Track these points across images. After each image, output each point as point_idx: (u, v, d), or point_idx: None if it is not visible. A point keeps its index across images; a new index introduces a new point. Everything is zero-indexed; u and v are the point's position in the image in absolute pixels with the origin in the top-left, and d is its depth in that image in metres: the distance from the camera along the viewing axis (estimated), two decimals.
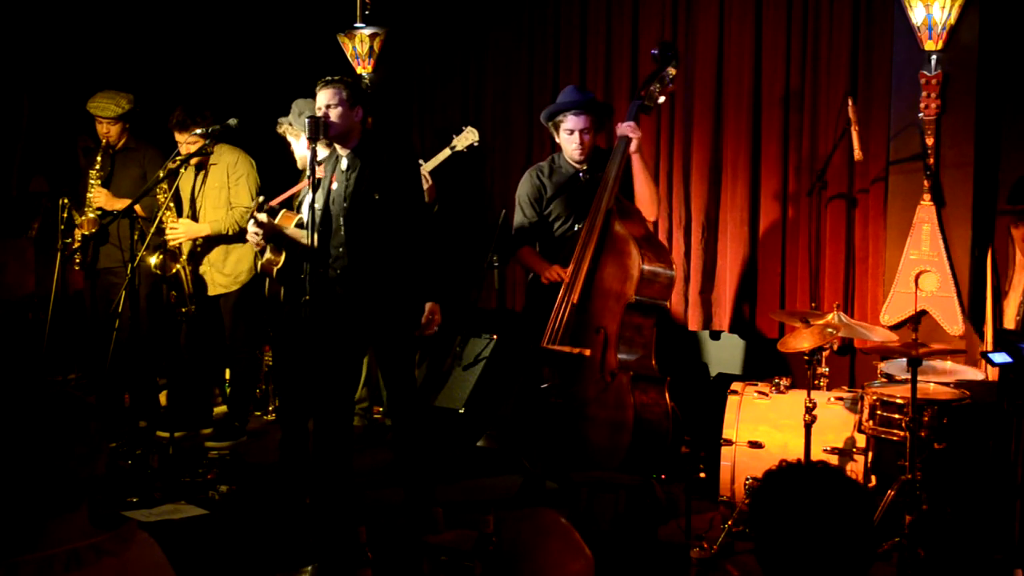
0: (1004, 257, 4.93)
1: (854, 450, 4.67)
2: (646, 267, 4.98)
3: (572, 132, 5.19)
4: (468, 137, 6.32)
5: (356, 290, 4.78)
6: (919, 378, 4.27)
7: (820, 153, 5.57)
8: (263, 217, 5.10)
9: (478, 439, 6.02)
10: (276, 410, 6.69)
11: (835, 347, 5.10)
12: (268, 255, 5.21)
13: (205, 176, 6.21)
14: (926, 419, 4.29)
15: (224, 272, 6.22)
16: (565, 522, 1.92)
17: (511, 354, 5.48)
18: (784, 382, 4.96)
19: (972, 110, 5.06)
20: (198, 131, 5.71)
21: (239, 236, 6.01)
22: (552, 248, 5.30)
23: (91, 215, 6.18)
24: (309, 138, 4.65)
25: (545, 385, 4.98)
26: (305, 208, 5.29)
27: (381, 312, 4.76)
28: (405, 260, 4.76)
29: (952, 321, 5.06)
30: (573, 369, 5.03)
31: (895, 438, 4.40)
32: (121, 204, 5.95)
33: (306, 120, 4.66)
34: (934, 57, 5.03)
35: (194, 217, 6.21)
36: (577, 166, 5.27)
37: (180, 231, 6.13)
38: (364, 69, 7.04)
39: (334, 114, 4.72)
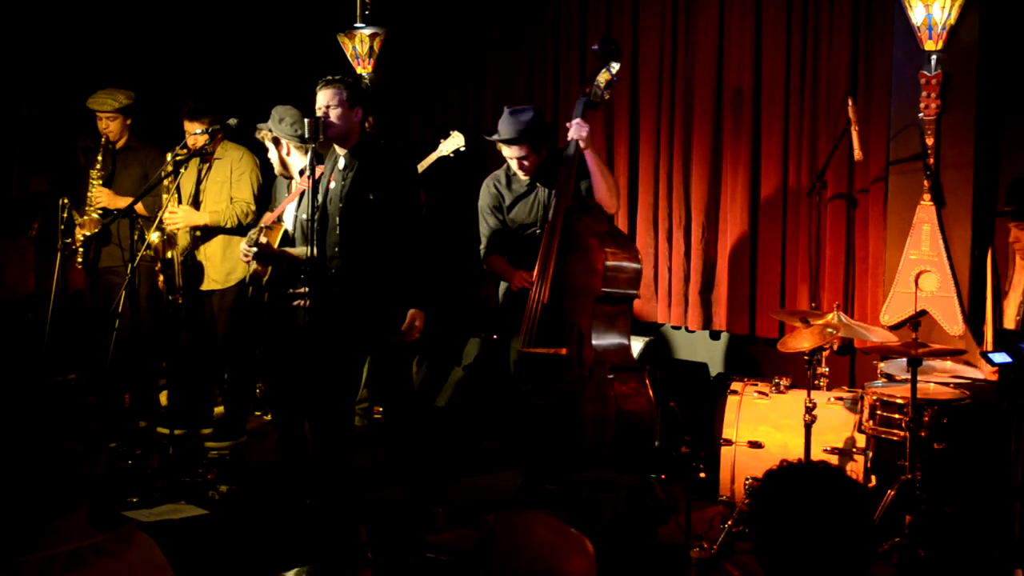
0: (1004, 257, 4.93)
1: (854, 450, 4.67)
2: (610, 262, 5.00)
3: (511, 159, 5.21)
4: (454, 142, 6.27)
5: (352, 290, 4.78)
6: (919, 378, 4.27)
7: (820, 153, 5.56)
8: (264, 241, 5.12)
9: (479, 439, 6.03)
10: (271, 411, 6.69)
11: (835, 347, 5.10)
12: (255, 265, 5.23)
13: (209, 169, 6.21)
14: (926, 419, 4.29)
15: (218, 268, 6.22)
16: (559, 522, 1.92)
17: (500, 357, 5.50)
18: (784, 382, 4.97)
19: (972, 110, 5.06)
20: (198, 130, 5.73)
21: (237, 231, 6.01)
22: (520, 253, 5.30)
23: (92, 215, 6.18)
24: (309, 138, 4.63)
25: (525, 389, 5.02)
26: (288, 218, 5.30)
27: (375, 313, 4.76)
28: (398, 262, 4.75)
29: (952, 321, 5.06)
30: (552, 369, 5.05)
31: (895, 438, 4.40)
32: (124, 202, 5.96)
33: (306, 120, 4.65)
34: (934, 57, 5.03)
35: (195, 208, 6.21)
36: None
37: (179, 216, 6.10)
38: (364, 69, 7.04)
39: (334, 115, 4.71)
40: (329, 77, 4.79)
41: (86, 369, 6.83)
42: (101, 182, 6.19)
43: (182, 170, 5.96)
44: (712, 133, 5.98)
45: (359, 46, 7.00)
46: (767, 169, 5.78)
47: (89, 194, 6.21)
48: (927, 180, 5.09)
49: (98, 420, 1.94)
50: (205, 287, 6.26)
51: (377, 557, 3.46)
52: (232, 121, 5.47)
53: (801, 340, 4.57)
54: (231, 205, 6.11)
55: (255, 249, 5.08)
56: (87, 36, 7.19)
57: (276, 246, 5.21)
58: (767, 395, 4.92)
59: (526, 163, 5.18)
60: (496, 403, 5.48)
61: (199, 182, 6.21)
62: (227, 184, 6.17)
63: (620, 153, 6.34)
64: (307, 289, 4.71)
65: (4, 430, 1.84)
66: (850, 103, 5.16)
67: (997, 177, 5.12)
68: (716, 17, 5.92)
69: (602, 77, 5.18)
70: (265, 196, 5.97)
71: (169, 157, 5.81)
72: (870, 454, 4.67)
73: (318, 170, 4.78)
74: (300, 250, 5.11)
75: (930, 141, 5.05)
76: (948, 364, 4.76)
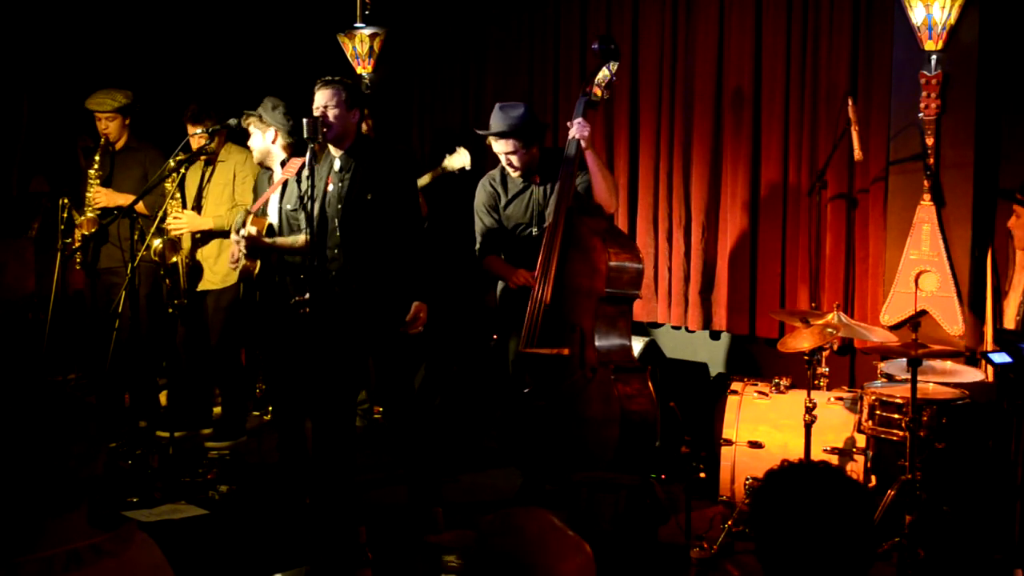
0: (1004, 257, 4.93)
1: (854, 450, 4.67)
2: (613, 262, 4.99)
3: (501, 154, 5.21)
4: (460, 159, 6.25)
5: (353, 289, 4.78)
6: (919, 378, 4.27)
7: (820, 153, 5.56)
8: (252, 231, 5.11)
9: (479, 439, 6.03)
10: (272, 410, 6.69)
11: (835, 347, 5.10)
12: (244, 261, 5.22)
13: (212, 172, 6.21)
14: (926, 419, 4.29)
15: (214, 269, 6.22)
16: (558, 521, 1.92)
17: (499, 357, 5.50)
18: (784, 382, 4.97)
19: (972, 110, 5.06)
20: (199, 130, 5.72)
21: None
22: (516, 253, 5.29)
23: (91, 215, 6.18)
24: (307, 138, 4.63)
25: (527, 390, 5.01)
26: (272, 210, 5.29)
27: (376, 312, 4.76)
28: (399, 260, 4.75)
29: (952, 321, 5.06)
30: (553, 370, 5.04)
31: (895, 438, 4.40)
32: (124, 199, 5.97)
33: (304, 120, 4.64)
34: (934, 57, 5.03)
35: (197, 211, 6.21)
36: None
37: (183, 222, 6.13)
38: (364, 69, 7.04)
39: (332, 115, 4.71)
40: (328, 78, 4.79)
41: (86, 369, 6.82)
42: (99, 182, 6.19)
43: (182, 170, 5.97)
44: (712, 133, 5.98)
45: (359, 46, 7.00)
46: (767, 169, 5.78)
47: (88, 194, 6.21)
48: (927, 180, 5.09)
49: (98, 420, 1.94)
50: (202, 287, 6.26)
51: (377, 557, 3.46)
52: (232, 121, 5.47)
53: (801, 340, 4.57)
54: (233, 209, 6.11)
55: (245, 239, 5.07)
56: (87, 36, 7.19)
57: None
58: (767, 395, 4.93)
59: (514, 158, 5.16)
60: (496, 403, 5.48)
61: (202, 185, 6.21)
62: (229, 187, 6.17)
63: (620, 153, 6.34)
64: (309, 296, 4.71)
65: (4, 430, 1.84)
66: (850, 103, 5.16)
67: (997, 177, 5.12)
68: (716, 17, 5.92)
69: (602, 77, 5.18)
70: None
71: (172, 164, 5.81)
72: (870, 454, 4.67)
73: (302, 167, 4.76)
74: (288, 239, 5.12)
75: (930, 141, 5.05)
76: (948, 364, 4.76)
